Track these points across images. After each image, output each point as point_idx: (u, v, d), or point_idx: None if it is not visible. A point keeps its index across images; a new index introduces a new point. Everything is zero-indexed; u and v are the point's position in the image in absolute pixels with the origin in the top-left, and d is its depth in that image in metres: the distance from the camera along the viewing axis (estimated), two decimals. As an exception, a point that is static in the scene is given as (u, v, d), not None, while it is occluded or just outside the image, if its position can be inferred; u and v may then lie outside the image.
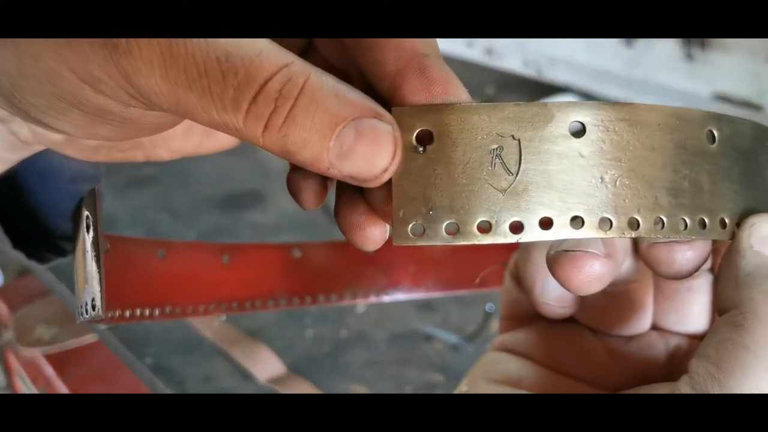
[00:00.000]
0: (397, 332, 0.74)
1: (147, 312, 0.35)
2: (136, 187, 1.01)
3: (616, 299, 0.27)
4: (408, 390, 0.66)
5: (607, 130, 0.21)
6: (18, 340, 1.07)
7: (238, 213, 0.95)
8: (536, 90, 1.27)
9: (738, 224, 0.23)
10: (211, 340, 0.74)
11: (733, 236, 0.23)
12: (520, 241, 0.21)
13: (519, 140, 0.21)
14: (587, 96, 1.23)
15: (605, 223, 0.21)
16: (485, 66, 1.43)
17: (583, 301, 0.28)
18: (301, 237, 0.83)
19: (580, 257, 0.23)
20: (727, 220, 0.22)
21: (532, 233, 0.21)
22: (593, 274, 0.23)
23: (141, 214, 0.96)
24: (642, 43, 1.21)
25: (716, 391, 0.20)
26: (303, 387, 0.68)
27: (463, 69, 1.43)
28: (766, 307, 0.21)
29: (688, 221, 0.22)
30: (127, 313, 0.33)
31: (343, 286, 0.43)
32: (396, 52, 0.23)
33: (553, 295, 0.26)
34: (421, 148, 0.21)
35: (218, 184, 1.01)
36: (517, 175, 0.21)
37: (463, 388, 0.27)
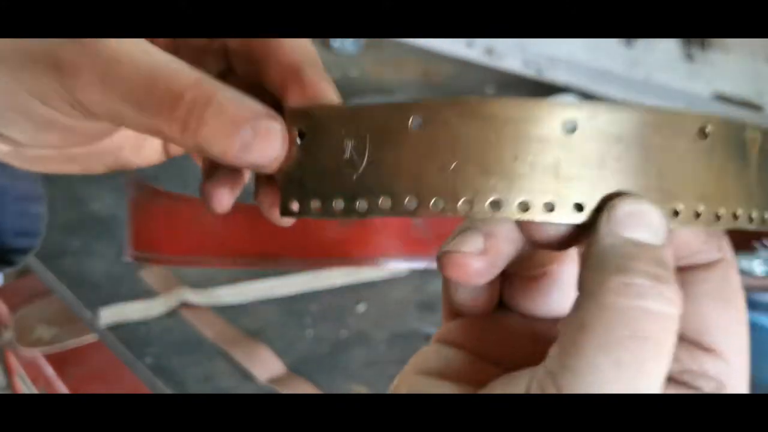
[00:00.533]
0: (397, 332, 0.74)
1: (155, 255, 0.39)
2: (136, 187, 1.01)
3: (537, 281, 0.28)
4: (408, 390, 0.66)
5: (446, 123, 0.23)
6: (18, 340, 1.07)
7: (238, 213, 0.95)
8: (536, 90, 1.27)
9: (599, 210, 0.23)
10: (211, 340, 0.74)
11: (590, 220, 0.23)
12: (364, 217, 0.24)
13: (367, 135, 0.24)
14: (587, 96, 1.23)
15: (438, 204, 0.23)
16: (485, 66, 1.43)
17: (510, 286, 0.28)
18: (301, 237, 0.83)
19: (457, 258, 0.25)
20: (584, 205, 0.23)
21: (376, 212, 0.24)
22: (472, 271, 0.25)
23: (141, 214, 0.96)
24: (642, 43, 1.21)
25: (559, 369, 0.21)
26: (303, 387, 0.68)
27: (463, 69, 1.43)
28: (600, 287, 0.21)
29: (529, 204, 0.23)
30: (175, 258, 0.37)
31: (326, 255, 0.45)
32: (279, 67, 0.28)
33: (464, 294, 0.28)
34: (299, 141, 0.25)
35: (218, 184, 1.01)
36: (364, 164, 0.24)
37: (395, 382, 0.27)
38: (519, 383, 0.23)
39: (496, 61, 1.43)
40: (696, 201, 0.24)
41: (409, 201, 0.24)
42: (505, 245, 0.25)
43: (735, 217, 0.24)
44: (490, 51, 1.44)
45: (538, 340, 0.28)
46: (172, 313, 0.78)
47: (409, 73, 1.42)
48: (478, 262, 0.25)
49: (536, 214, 0.23)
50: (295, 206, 0.26)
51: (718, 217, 0.24)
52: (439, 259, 0.25)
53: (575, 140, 0.23)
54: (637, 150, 0.24)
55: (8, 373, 1.14)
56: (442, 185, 0.23)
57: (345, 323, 0.77)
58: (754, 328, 0.61)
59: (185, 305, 0.79)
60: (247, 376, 0.69)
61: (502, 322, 0.29)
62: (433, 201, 0.23)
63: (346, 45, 1.51)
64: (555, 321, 0.28)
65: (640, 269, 0.21)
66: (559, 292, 0.28)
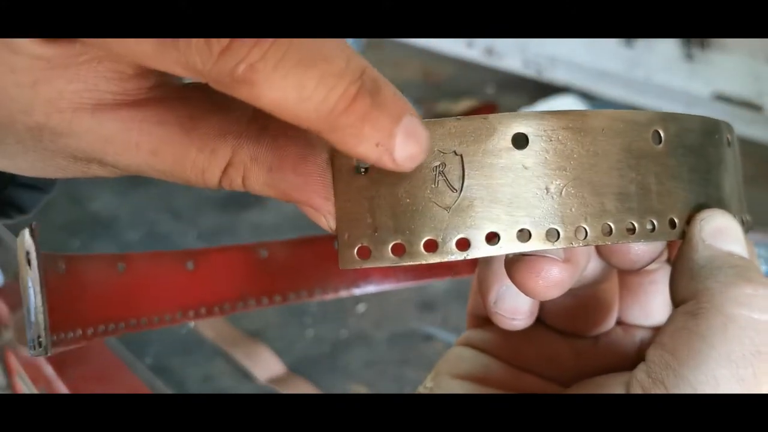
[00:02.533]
0: (397, 332, 0.74)
1: (111, 327, 0.34)
2: (137, 187, 1.01)
3: (583, 302, 0.27)
4: (408, 390, 0.66)
5: (551, 140, 0.21)
6: (18, 340, 1.07)
7: (238, 213, 0.95)
8: (536, 90, 1.27)
9: (688, 221, 0.23)
10: (211, 340, 0.74)
11: (683, 235, 0.23)
12: (467, 257, 0.21)
13: (461, 155, 0.21)
14: (587, 96, 1.23)
15: (552, 234, 0.21)
16: (485, 66, 1.43)
17: (550, 304, 0.27)
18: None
19: (538, 262, 0.22)
20: (676, 220, 0.22)
21: (479, 249, 0.21)
22: (551, 279, 0.22)
23: (142, 214, 0.96)
24: (642, 43, 1.21)
25: (671, 378, 0.20)
26: (303, 387, 0.68)
27: (463, 69, 1.43)
28: (721, 296, 0.21)
29: (636, 225, 0.22)
30: (90, 332, 0.32)
31: (312, 282, 0.43)
32: None
33: (506, 306, 0.25)
34: (363, 170, 0.21)
35: (218, 184, 1.01)
36: (461, 191, 0.21)
37: (428, 384, 0.27)
38: (612, 391, 0.22)
39: (496, 61, 1.43)
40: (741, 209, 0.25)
41: (521, 233, 0.21)
42: (583, 259, 0.24)
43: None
44: (490, 51, 1.44)
45: (578, 356, 0.27)
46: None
47: (409, 73, 1.42)
48: (561, 271, 0.22)
49: (642, 236, 0.22)
50: (364, 253, 0.21)
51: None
52: (512, 264, 0.23)
53: (662, 153, 0.22)
54: (701, 160, 0.23)
55: (8, 373, 1.14)
56: (556, 211, 0.21)
57: (345, 323, 0.77)
58: None
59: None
60: (247, 376, 0.69)
61: (540, 336, 0.28)
62: (546, 230, 0.21)
63: (346, 45, 1.51)
64: (594, 339, 0.28)
65: (762, 281, 0.21)
66: (602, 313, 0.28)
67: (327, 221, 0.22)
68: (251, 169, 0.22)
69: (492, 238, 0.21)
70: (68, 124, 0.22)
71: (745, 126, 1.12)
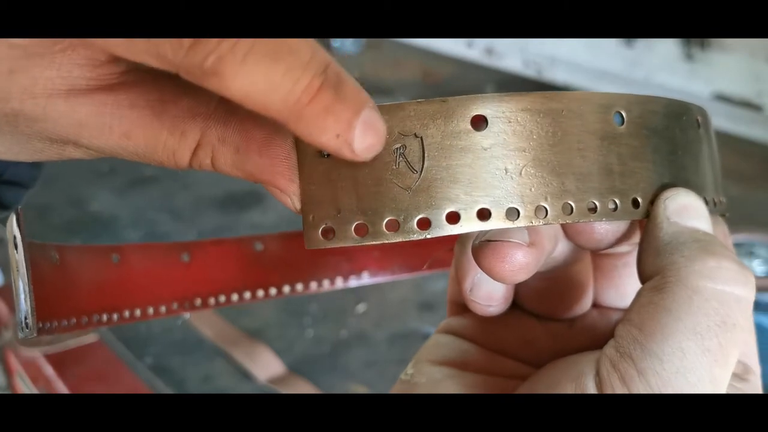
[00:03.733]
0: (397, 332, 0.74)
1: (104, 317, 0.34)
2: (137, 187, 1.01)
3: (557, 284, 0.27)
4: (408, 390, 0.66)
5: (509, 121, 0.21)
6: (18, 340, 1.07)
7: (238, 213, 0.95)
8: (536, 90, 1.27)
9: (652, 201, 0.23)
10: (211, 340, 0.74)
11: (647, 214, 0.23)
12: (428, 236, 0.21)
13: (422, 138, 0.21)
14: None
15: (512, 213, 0.21)
16: (485, 66, 1.43)
17: (525, 289, 0.28)
18: (301, 237, 0.83)
19: (503, 247, 0.23)
20: (639, 199, 0.23)
21: (440, 228, 0.21)
22: (516, 264, 0.23)
23: (142, 214, 0.96)
24: (642, 43, 1.21)
25: (638, 351, 0.21)
26: (303, 387, 0.68)
27: (463, 69, 1.43)
28: (686, 270, 0.21)
29: (597, 204, 0.22)
30: (84, 320, 0.32)
31: (306, 275, 0.43)
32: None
33: (481, 293, 0.26)
34: (326, 154, 0.22)
35: (218, 184, 1.01)
36: (421, 172, 0.21)
37: (409, 371, 0.27)
38: (582, 368, 0.22)
39: (496, 61, 1.43)
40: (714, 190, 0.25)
41: (481, 212, 0.21)
42: (548, 242, 0.24)
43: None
44: (490, 51, 1.44)
45: (554, 339, 0.28)
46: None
47: (409, 73, 1.42)
48: (526, 255, 0.23)
49: (604, 214, 0.22)
50: (327, 234, 0.22)
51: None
52: (478, 250, 0.23)
53: (624, 134, 0.22)
54: (666, 141, 0.24)
55: (8, 373, 1.14)
56: (516, 191, 0.21)
57: (345, 323, 0.77)
58: (755, 328, 0.61)
59: (185, 305, 0.78)
60: (247, 376, 0.69)
61: (516, 320, 0.28)
62: (506, 209, 0.21)
63: (346, 45, 1.51)
64: (570, 321, 0.28)
65: (725, 254, 0.22)
66: (576, 295, 0.28)
67: (292, 202, 0.23)
68: (219, 150, 0.23)
69: (452, 217, 0.21)
70: (42, 109, 0.23)
71: (745, 126, 1.12)
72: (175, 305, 0.39)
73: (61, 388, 0.92)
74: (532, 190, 0.21)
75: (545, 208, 0.21)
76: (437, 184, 0.21)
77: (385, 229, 0.21)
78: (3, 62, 0.22)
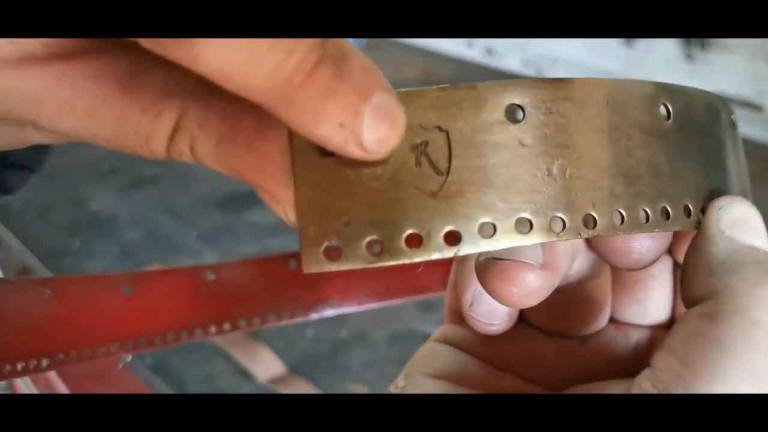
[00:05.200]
0: (397, 332, 0.74)
1: (33, 363, 0.30)
2: (137, 187, 1.01)
3: (572, 299, 0.24)
4: (408, 390, 0.66)
5: (550, 113, 0.18)
6: None
7: (238, 213, 0.95)
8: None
9: (703, 210, 0.20)
10: (211, 340, 0.74)
11: (699, 224, 0.20)
12: (458, 253, 0.17)
13: (447, 132, 0.17)
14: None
15: (557, 224, 0.18)
16: (485, 66, 1.43)
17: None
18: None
19: (511, 268, 0.19)
20: (691, 207, 0.20)
21: (473, 244, 0.17)
22: (527, 288, 0.19)
23: (141, 214, 0.96)
24: (642, 43, 1.21)
25: (680, 390, 0.18)
26: (303, 387, 0.68)
27: (463, 69, 1.43)
28: (746, 297, 0.18)
29: (649, 212, 0.19)
30: (6, 369, 0.29)
31: (264, 307, 0.38)
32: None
33: (482, 309, 0.23)
34: (328, 151, 0.17)
35: (218, 185, 1.01)
36: (447, 174, 0.17)
37: (399, 384, 0.24)
38: None
39: (496, 61, 1.43)
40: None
41: (520, 223, 0.17)
42: (564, 261, 0.21)
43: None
44: (490, 51, 1.44)
45: (564, 356, 0.25)
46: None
47: (409, 73, 1.42)
48: (538, 278, 0.19)
49: (656, 224, 0.19)
50: (332, 252, 0.17)
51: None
52: (483, 269, 0.20)
53: (671, 130, 0.19)
54: (711, 140, 0.21)
55: (8, 373, 1.14)
56: (561, 197, 0.17)
57: (345, 323, 0.77)
58: None
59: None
60: (247, 376, 0.69)
61: (522, 334, 0.25)
62: (550, 220, 0.17)
63: (346, 45, 1.51)
64: (582, 338, 0.25)
65: None
66: (593, 311, 0.25)
67: (285, 212, 0.18)
68: (199, 138, 0.18)
69: (487, 229, 0.17)
70: None
71: (745, 126, 1.11)
72: (115, 346, 0.35)
73: (61, 388, 0.92)
74: (579, 195, 0.18)
75: (594, 217, 0.18)
76: (467, 188, 0.17)
77: (404, 246, 0.17)
78: None
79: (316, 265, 0.17)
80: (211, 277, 0.39)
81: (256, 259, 0.41)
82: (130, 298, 0.37)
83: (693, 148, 0.20)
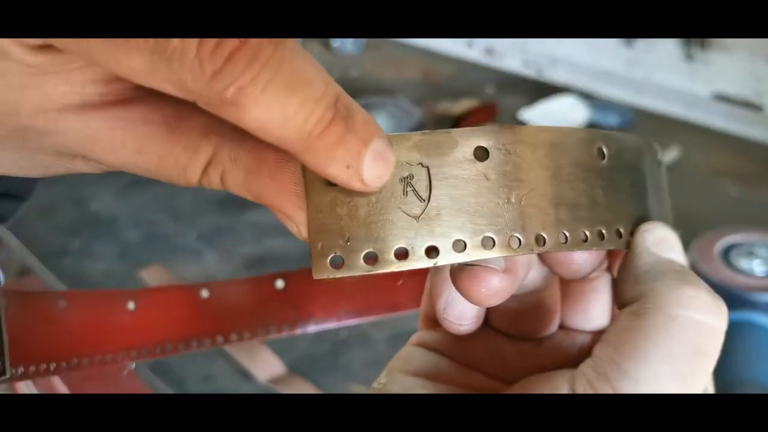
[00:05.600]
0: (397, 332, 0.74)
1: (53, 366, 0.34)
2: (137, 187, 1.01)
3: (527, 307, 0.28)
4: (408, 390, 0.66)
5: (509, 153, 0.22)
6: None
7: (238, 213, 0.95)
8: (536, 90, 1.27)
9: (632, 232, 0.24)
10: (211, 340, 0.74)
11: (628, 244, 0.24)
12: (436, 264, 0.21)
13: (428, 167, 0.22)
14: (587, 96, 1.23)
15: (514, 242, 0.22)
16: (485, 66, 1.43)
17: (497, 309, 0.29)
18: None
19: (480, 272, 0.23)
20: (621, 230, 0.24)
21: (447, 256, 0.21)
22: (492, 288, 0.24)
23: (141, 214, 0.96)
24: (642, 43, 1.21)
25: (614, 372, 0.21)
26: (303, 387, 0.68)
27: (463, 69, 1.43)
28: (664, 297, 0.22)
29: (588, 234, 0.23)
30: (32, 369, 0.32)
31: (254, 322, 0.43)
32: None
33: (455, 312, 0.27)
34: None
35: (218, 184, 1.00)
36: (428, 201, 0.22)
37: (381, 380, 0.28)
38: (556, 384, 0.23)
39: (496, 61, 1.43)
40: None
41: (485, 241, 0.22)
42: (522, 269, 0.25)
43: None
44: (490, 51, 1.44)
45: (523, 356, 0.29)
46: (172, 313, 0.78)
47: (409, 73, 1.42)
48: (501, 281, 0.24)
49: (593, 244, 0.23)
50: (336, 262, 0.22)
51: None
52: (456, 273, 0.24)
53: (606, 168, 0.24)
54: (640, 176, 0.25)
55: (8, 373, 1.14)
56: (518, 220, 0.22)
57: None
58: (754, 328, 0.61)
59: (185, 305, 0.79)
60: (247, 376, 0.69)
61: (487, 337, 0.29)
62: (509, 238, 0.22)
63: (346, 45, 1.51)
64: (538, 341, 0.29)
65: (702, 285, 0.23)
66: (546, 318, 0.29)
67: (299, 230, 0.23)
68: (229, 170, 0.23)
69: (459, 245, 0.22)
70: (54, 124, 0.22)
71: (745, 126, 1.12)
72: (122, 354, 0.39)
73: (61, 388, 0.92)
74: (531, 219, 0.22)
75: (543, 237, 0.22)
76: (444, 212, 0.21)
77: (394, 258, 0.21)
78: (15, 77, 0.21)
79: (324, 272, 0.22)
80: (205, 294, 0.43)
81: (246, 279, 0.45)
82: (133, 312, 0.41)
83: (624, 183, 0.24)
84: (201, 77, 0.19)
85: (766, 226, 0.67)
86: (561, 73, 1.33)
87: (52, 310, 0.36)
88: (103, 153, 0.23)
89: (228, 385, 0.69)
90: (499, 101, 1.24)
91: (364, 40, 1.55)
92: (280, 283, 0.44)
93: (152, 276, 0.83)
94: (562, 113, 1.16)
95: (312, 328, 0.45)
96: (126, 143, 0.23)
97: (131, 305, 0.40)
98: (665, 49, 1.19)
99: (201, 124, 0.23)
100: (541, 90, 1.27)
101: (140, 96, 0.23)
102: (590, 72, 1.29)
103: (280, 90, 0.19)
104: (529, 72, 1.38)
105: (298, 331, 0.44)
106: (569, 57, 1.31)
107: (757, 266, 0.63)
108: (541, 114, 1.16)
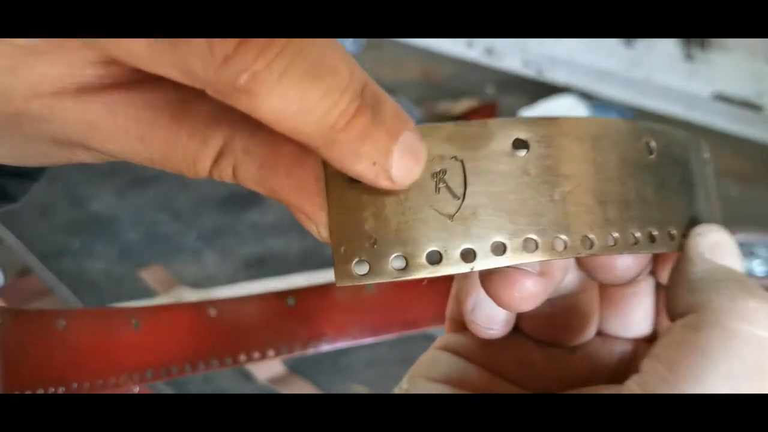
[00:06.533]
0: (398, 332, 0.74)
1: (51, 390, 0.31)
2: (137, 187, 1.01)
3: (563, 312, 0.26)
4: (408, 390, 0.66)
5: (549, 146, 0.20)
6: None
7: (238, 213, 0.95)
8: (536, 90, 1.27)
9: (684, 235, 0.22)
10: (211, 340, 0.74)
11: (681, 247, 0.22)
12: (473, 269, 0.19)
13: (462, 161, 0.19)
14: (587, 96, 1.23)
15: (559, 243, 0.20)
16: (485, 66, 1.43)
17: (528, 314, 0.26)
18: (301, 237, 0.83)
19: (512, 274, 0.21)
20: (674, 232, 0.22)
21: (486, 260, 0.19)
22: (525, 292, 0.22)
23: (141, 214, 0.96)
24: (642, 43, 1.21)
25: (666, 392, 0.20)
26: (303, 387, 0.68)
27: (463, 69, 1.43)
28: (723, 310, 0.20)
29: (638, 235, 0.21)
30: (28, 393, 0.30)
31: (263, 342, 0.40)
32: None
33: (483, 315, 0.25)
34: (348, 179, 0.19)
35: (218, 184, 1.01)
36: (463, 198, 0.19)
37: (404, 386, 0.26)
38: None
39: (496, 61, 1.43)
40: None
41: (527, 243, 0.20)
42: (559, 272, 0.23)
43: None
44: (490, 51, 1.44)
45: (555, 364, 0.27)
46: (172, 313, 0.78)
47: (409, 73, 1.42)
48: (536, 284, 0.22)
49: (644, 246, 0.21)
50: (362, 268, 0.19)
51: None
52: (486, 274, 0.22)
53: (655, 164, 0.22)
54: (689, 174, 0.23)
55: (8, 373, 1.14)
56: (562, 220, 0.20)
57: (345, 323, 0.77)
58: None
59: (185, 305, 0.78)
60: (247, 376, 0.69)
61: (516, 343, 0.27)
62: (553, 240, 0.20)
63: (346, 45, 1.51)
64: (572, 349, 0.27)
65: (765, 296, 0.20)
66: (582, 323, 0.27)
67: (319, 231, 0.21)
68: (243, 162, 0.21)
69: (498, 247, 0.19)
70: (50, 109, 0.20)
71: (745, 126, 1.12)
72: (125, 377, 0.36)
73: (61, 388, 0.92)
74: (577, 219, 0.20)
75: (590, 238, 0.20)
76: (481, 211, 0.19)
77: (426, 262, 0.19)
78: (4, 59, 0.19)
79: (348, 279, 0.19)
80: (213, 312, 0.41)
81: (256, 296, 0.43)
82: (138, 331, 0.38)
83: (673, 181, 0.22)
84: (211, 62, 0.17)
85: (766, 226, 0.67)
86: (561, 73, 1.33)
87: (50, 330, 0.33)
88: (103, 141, 0.21)
89: (228, 385, 0.69)
90: (499, 101, 1.24)
91: (364, 40, 1.55)
92: (291, 301, 0.42)
93: (152, 276, 0.83)
94: (562, 113, 1.16)
95: (325, 348, 0.43)
96: (128, 130, 0.21)
97: (135, 323, 0.38)
98: (665, 49, 1.19)
99: (209, 110, 0.21)
100: (541, 90, 1.27)
101: (143, 79, 0.21)
102: (590, 72, 1.29)
103: (299, 78, 0.17)
104: (529, 72, 1.38)
105: (310, 350, 0.42)
106: (569, 57, 1.31)
107: (757, 266, 0.62)
108: (541, 114, 1.16)
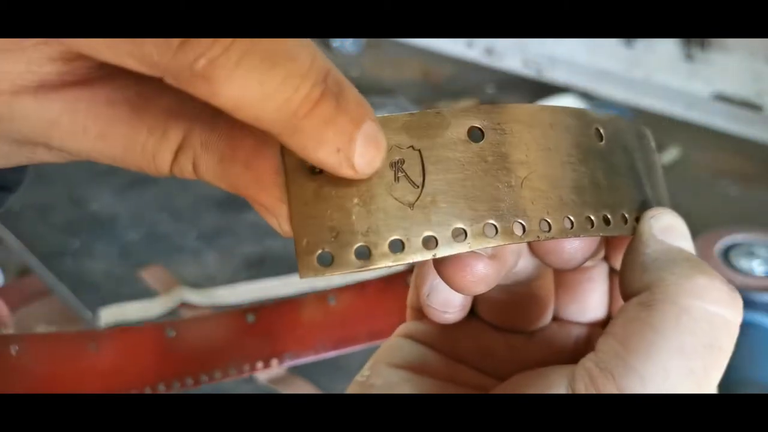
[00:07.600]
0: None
1: None
2: (137, 187, 1.01)
3: (519, 299, 0.27)
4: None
5: (504, 132, 0.20)
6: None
7: (238, 213, 0.95)
8: (536, 90, 1.27)
9: (637, 219, 0.23)
10: (211, 340, 0.74)
11: (634, 230, 0.23)
12: (435, 256, 0.20)
13: (420, 150, 0.20)
14: (587, 96, 1.23)
15: (518, 228, 0.20)
16: (485, 66, 1.43)
17: (485, 300, 0.27)
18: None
19: (464, 258, 0.22)
20: (626, 215, 0.23)
21: (447, 247, 0.20)
22: (477, 275, 0.22)
23: (141, 214, 0.96)
24: (642, 43, 1.21)
25: (620, 368, 0.20)
26: (303, 387, 0.68)
27: (463, 69, 1.43)
28: (676, 287, 0.21)
29: (594, 219, 0.22)
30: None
31: (225, 361, 0.40)
32: None
33: (439, 299, 0.25)
34: (317, 169, 0.20)
35: (218, 184, 1.00)
36: (423, 187, 0.20)
37: (365, 373, 0.27)
38: (554, 381, 0.22)
39: (496, 61, 1.43)
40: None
41: (487, 228, 0.20)
42: (510, 256, 0.24)
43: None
44: (490, 51, 1.44)
45: (513, 350, 0.27)
46: (171, 313, 0.78)
47: (409, 73, 1.42)
48: (486, 267, 0.22)
49: (600, 229, 0.22)
50: (325, 259, 0.19)
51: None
52: (439, 260, 0.22)
53: (605, 150, 0.22)
54: (637, 160, 0.24)
55: (8, 373, 1.14)
56: (520, 205, 0.20)
57: (345, 323, 0.77)
58: (754, 328, 0.61)
59: (185, 305, 0.79)
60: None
61: (475, 329, 0.28)
62: (512, 224, 0.20)
63: (346, 45, 1.51)
64: (529, 334, 0.28)
65: (716, 275, 0.21)
66: (538, 309, 0.27)
67: (280, 224, 0.21)
68: (201, 157, 0.21)
69: (459, 234, 0.20)
70: (8, 108, 0.20)
71: (745, 126, 1.12)
72: None
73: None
74: (535, 204, 0.20)
75: (548, 222, 0.21)
76: (440, 198, 0.20)
77: (389, 251, 0.19)
78: None
79: (312, 271, 0.19)
80: (171, 333, 0.40)
81: (215, 314, 0.43)
82: (96, 354, 0.37)
83: (623, 166, 0.23)
84: (167, 48, 0.17)
85: (766, 226, 0.67)
86: (561, 73, 1.33)
87: (3, 355, 0.33)
88: (64, 139, 0.21)
89: (228, 385, 0.69)
90: (499, 101, 1.24)
91: (364, 40, 1.55)
92: (250, 318, 0.41)
93: (152, 276, 0.83)
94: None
95: (287, 363, 0.42)
96: (88, 128, 0.21)
97: (92, 347, 0.37)
98: (665, 49, 1.19)
99: (168, 104, 0.21)
100: (541, 90, 1.27)
101: (103, 76, 0.20)
102: (590, 72, 1.29)
103: (257, 63, 0.17)
104: (528, 72, 1.38)
105: (273, 367, 0.41)
106: (569, 57, 1.31)
107: (757, 266, 0.62)
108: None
